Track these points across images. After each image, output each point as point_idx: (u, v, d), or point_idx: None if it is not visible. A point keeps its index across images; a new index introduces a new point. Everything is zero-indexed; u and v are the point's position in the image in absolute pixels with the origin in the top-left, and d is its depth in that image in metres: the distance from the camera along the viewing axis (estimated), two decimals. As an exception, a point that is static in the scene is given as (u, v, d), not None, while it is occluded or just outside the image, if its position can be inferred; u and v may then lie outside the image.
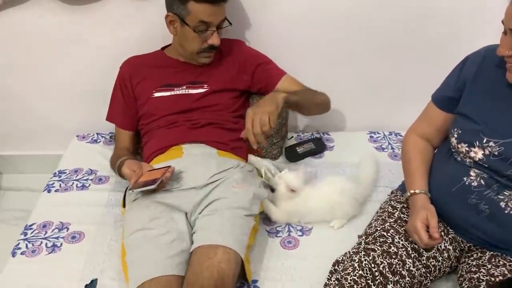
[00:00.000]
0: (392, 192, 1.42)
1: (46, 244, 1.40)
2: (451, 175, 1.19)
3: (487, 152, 1.11)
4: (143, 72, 1.57)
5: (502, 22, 1.02)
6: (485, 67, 1.17)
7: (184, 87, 1.54)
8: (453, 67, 1.28)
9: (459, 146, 1.17)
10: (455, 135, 1.18)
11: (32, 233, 1.44)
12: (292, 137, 1.89)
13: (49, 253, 1.38)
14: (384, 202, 1.38)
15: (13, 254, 1.37)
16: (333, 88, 1.82)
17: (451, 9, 1.68)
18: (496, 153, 1.10)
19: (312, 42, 1.75)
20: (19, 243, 1.41)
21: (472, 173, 1.15)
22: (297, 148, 1.79)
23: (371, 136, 1.91)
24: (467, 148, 1.15)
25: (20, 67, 1.79)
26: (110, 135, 1.88)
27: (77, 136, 1.90)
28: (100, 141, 1.87)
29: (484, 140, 1.12)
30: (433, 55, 1.79)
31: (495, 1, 1.61)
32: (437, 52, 1.79)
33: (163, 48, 1.64)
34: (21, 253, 1.37)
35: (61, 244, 1.40)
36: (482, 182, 1.13)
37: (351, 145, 1.84)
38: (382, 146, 1.85)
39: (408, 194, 1.25)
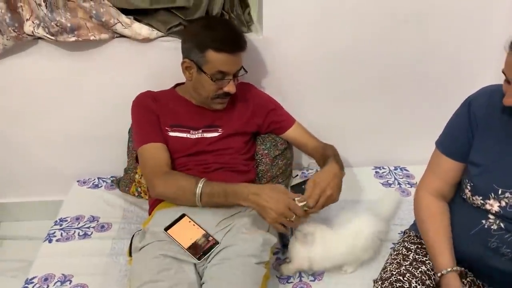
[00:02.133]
0: (405, 232, 1.38)
1: (48, 299, 1.35)
2: (468, 217, 1.14)
3: (503, 203, 1.06)
4: (159, 105, 1.51)
5: (503, 71, 0.99)
6: (492, 112, 1.10)
7: (201, 131, 1.51)
8: (454, 103, 1.21)
9: (473, 198, 1.11)
10: (468, 187, 1.12)
11: (33, 287, 1.39)
12: (297, 175, 1.86)
13: (51, 309, 1.32)
14: (397, 243, 1.34)
15: (14, 312, 1.31)
16: (337, 124, 1.82)
17: (453, 48, 1.71)
18: None
19: (315, 79, 1.76)
20: (19, 299, 1.35)
21: (490, 216, 1.09)
22: (303, 186, 1.74)
23: (376, 172, 1.89)
24: (482, 201, 1.09)
25: (19, 113, 1.77)
26: (111, 179, 1.85)
27: (77, 181, 1.86)
28: (101, 186, 1.83)
29: (500, 192, 1.06)
30: (435, 92, 1.82)
31: (497, 40, 1.64)
32: (438, 89, 1.81)
33: (174, 86, 1.62)
34: (22, 311, 1.32)
35: (64, 298, 1.35)
36: (502, 225, 1.08)
37: (357, 182, 1.83)
38: (389, 181, 1.83)
39: (438, 276, 1.13)
